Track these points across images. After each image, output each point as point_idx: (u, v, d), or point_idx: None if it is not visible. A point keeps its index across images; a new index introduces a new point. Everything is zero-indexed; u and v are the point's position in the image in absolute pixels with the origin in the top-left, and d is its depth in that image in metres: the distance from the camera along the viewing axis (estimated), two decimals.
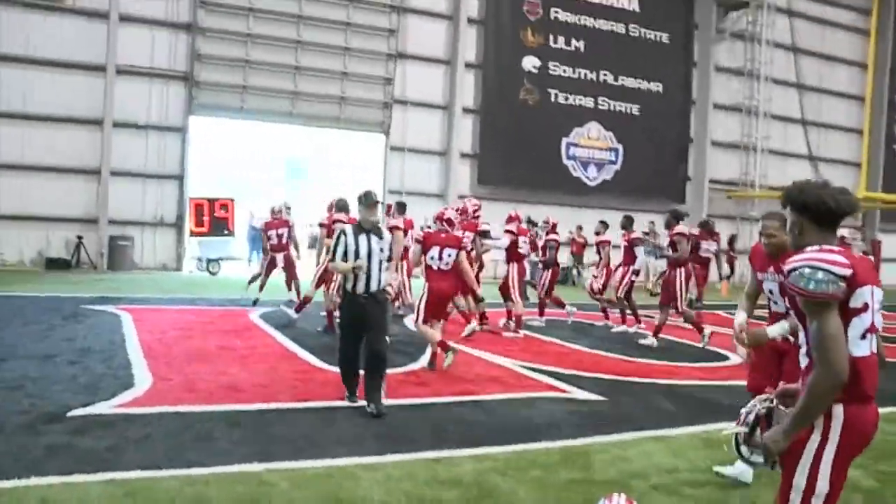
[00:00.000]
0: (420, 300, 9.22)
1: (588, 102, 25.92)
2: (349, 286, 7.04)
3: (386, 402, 6.92)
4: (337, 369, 7.43)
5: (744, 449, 3.28)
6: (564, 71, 25.36)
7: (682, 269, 11.70)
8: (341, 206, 11.21)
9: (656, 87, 26.96)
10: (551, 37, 25.16)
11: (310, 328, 11.44)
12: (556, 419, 6.96)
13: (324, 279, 11.44)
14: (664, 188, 26.91)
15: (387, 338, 7.57)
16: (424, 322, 9.13)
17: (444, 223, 9.39)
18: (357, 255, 6.93)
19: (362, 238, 7.00)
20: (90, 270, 19.34)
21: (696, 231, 14.53)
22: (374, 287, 7.02)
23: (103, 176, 19.79)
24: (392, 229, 9.97)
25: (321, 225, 11.96)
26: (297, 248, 13.78)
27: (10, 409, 6.27)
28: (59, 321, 10.97)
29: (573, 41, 25.51)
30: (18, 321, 10.81)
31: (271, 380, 7.92)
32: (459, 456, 5.72)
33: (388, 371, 7.36)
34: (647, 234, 22.28)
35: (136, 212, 20.03)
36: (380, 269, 7.06)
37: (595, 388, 8.30)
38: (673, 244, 11.82)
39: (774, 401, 3.30)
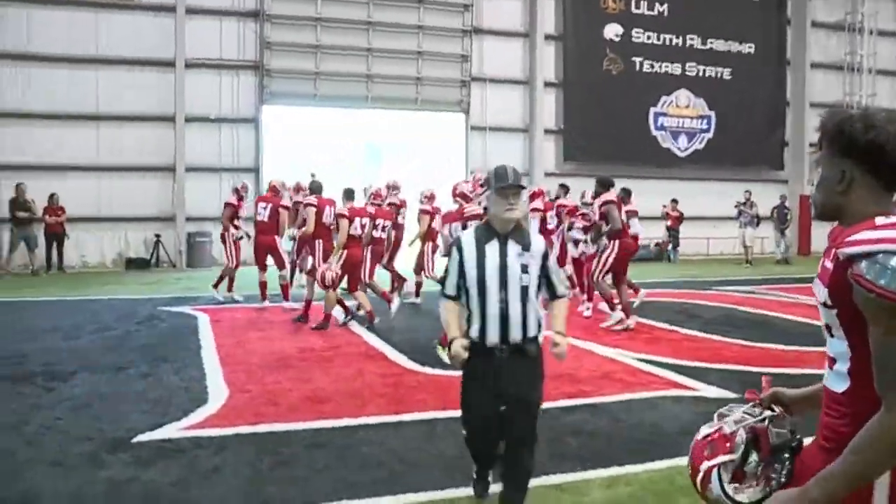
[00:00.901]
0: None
1: (675, 69, 24.37)
2: (474, 331, 3.93)
3: None
4: (432, 370, 6.56)
5: (730, 490, 2.07)
6: (648, 37, 23.89)
7: (617, 242, 10.45)
8: (314, 187, 11.08)
9: (748, 48, 25.20)
10: (633, 2, 23.71)
11: (397, 323, 10.59)
12: (687, 424, 5.87)
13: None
14: (761, 155, 25.25)
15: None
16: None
17: (459, 198, 8.38)
18: (483, 282, 3.89)
19: (492, 248, 3.92)
20: (169, 269, 18.95)
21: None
22: (518, 334, 3.89)
23: (178, 172, 19.36)
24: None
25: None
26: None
27: (76, 433, 5.60)
28: (133, 326, 10.35)
29: (657, 5, 24.00)
30: (93, 327, 10.23)
31: (358, 387, 7.07)
32: (587, 479, 4.76)
33: None
34: (744, 203, 20.95)
35: (213, 207, 19.42)
36: (526, 303, 3.90)
37: (724, 382, 7.18)
38: (603, 215, 10.51)
39: (773, 410, 2.22)
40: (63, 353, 8.49)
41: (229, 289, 12.98)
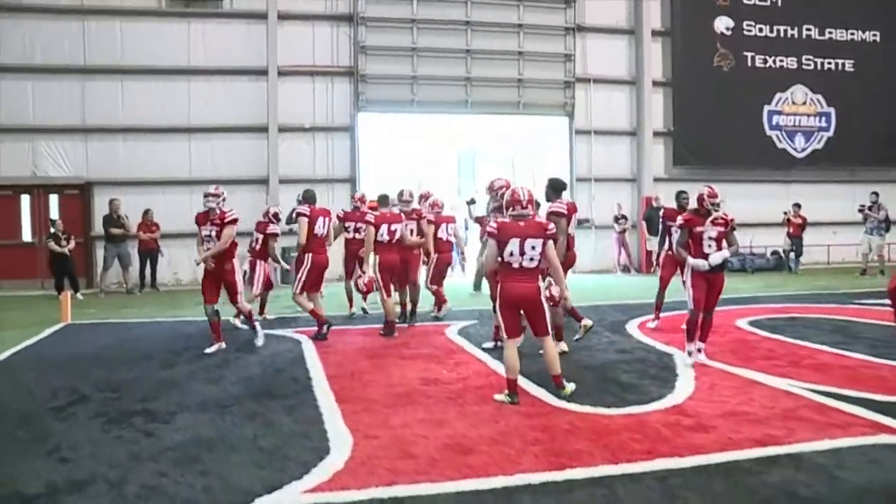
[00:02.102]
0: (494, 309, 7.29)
1: (790, 63, 22.65)
2: None
3: (662, 462, 5.09)
4: (581, 407, 5.45)
5: None
6: (761, 30, 22.25)
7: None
8: (308, 197, 10.82)
9: (872, 35, 23.24)
10: None
11: (524, 348, 9.44)
12: None
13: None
14: (888, 154, 23.18)
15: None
16: (509, 336, 6.97)
17: (529, 205, 7.09)
18: None
19: None
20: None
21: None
22: None
23: (271, 184, 18.66)
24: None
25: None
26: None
27: (184, 496, 4.66)
28: (232, 352, 9.43)
29: None
30: (190, 353, 9.37)
31: (503, 431, 5.92)
32: None
33: (642, 408, 5.81)
34: (869, 207, 19.14)
35: None
36: None
37: None
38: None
39: None
40: (161, 385, 7.60)
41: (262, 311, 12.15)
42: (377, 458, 5.30)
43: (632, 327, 10.91)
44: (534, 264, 6.74)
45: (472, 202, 13.47)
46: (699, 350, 8.41)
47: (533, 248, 6.71)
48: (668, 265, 10.77)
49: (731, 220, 8.42)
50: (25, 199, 18.45)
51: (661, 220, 11.33)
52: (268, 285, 12.08)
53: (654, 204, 19.95)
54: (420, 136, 21.89)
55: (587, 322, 9.39)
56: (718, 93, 21.63)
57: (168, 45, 18.73)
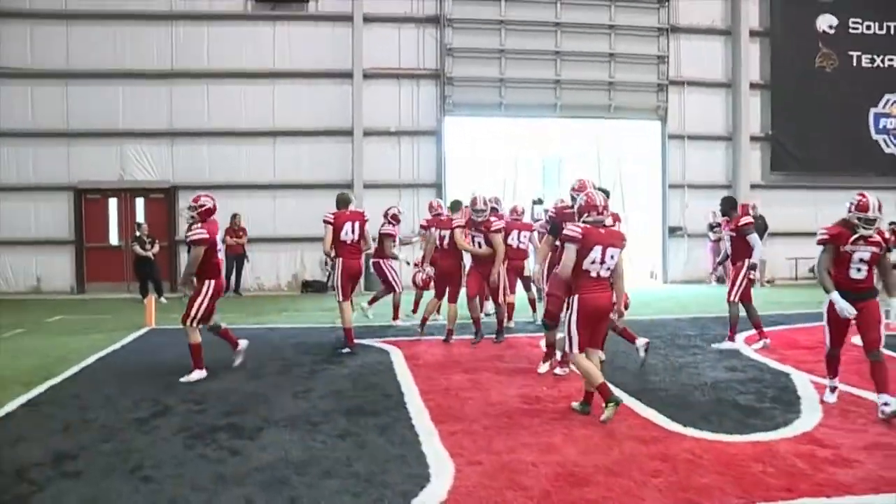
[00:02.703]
0: (568, 319, 6.54)
1: None
2: None
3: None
4: (700, 433, 4.89)
5: None
6: (868, 27, 20.93)
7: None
8: (341, 200, 10.25)
9: None
10: None
11: (627, 363, 8.83)
12: None
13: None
14: None
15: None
16: (581, 350, 6.47)
17: (603, 212, 6.57)
18: None
19: None
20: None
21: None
22: None
23: (356, 189, 18.32)
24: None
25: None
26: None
27: None
28: (320, 363, 9.05)
29: None
30: (277, 363, 9.02)
31: (618, 460, 5.38)
32: None
33: (769, 435, 5.37)
34: None
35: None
36: None
37: None
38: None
39: None
40: (246, 398, 7.24)
41: (395, 316, 12.20)
42: (483, 487, 4.81)
43: (739, 343, 10.18)
44: (608, 274, 6.46)
45: (538, 202, 12.95)
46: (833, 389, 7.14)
47: (612, 257, 6.42)
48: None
49: (890, 240, 7.04)
50: (113, 203, 18.57)
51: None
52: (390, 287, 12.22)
53: (752, 212, 18.98)
54: (504, 140, 21.36)
55: (641, 340, 8.88)
56: (820, 95, 20.44)
57: (253, 49, 18.64)
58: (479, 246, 9.92)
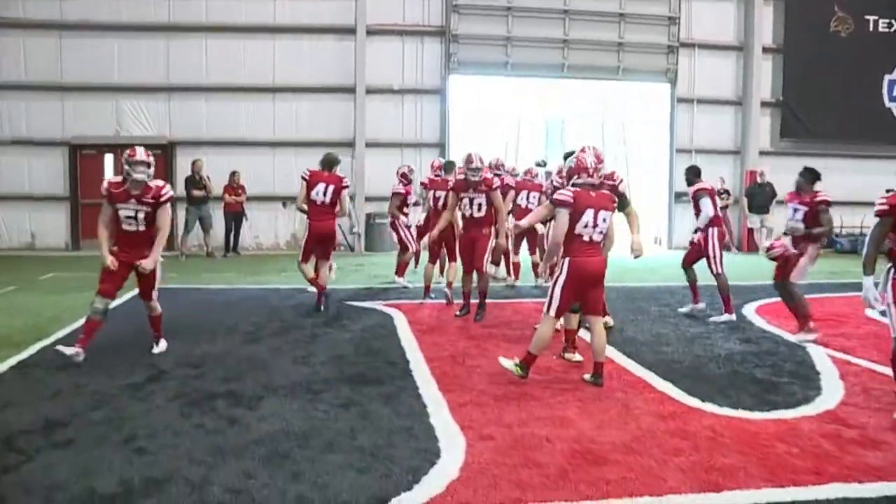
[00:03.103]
0: (555, 280, 6.37)
1: None
2: None
3: (838, 488, 4.28)
4: (720, 409, 4.67)
5: None
6: None
7: None
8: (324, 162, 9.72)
9: None
10: None
11: (637, 333, 8.56)
12: None
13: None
14: None
15: None
16: (558, 315, 6.48)
17: (593, 174, 6.38)
18: None
19: None
20: (346, 253, 17.44)
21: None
22: None
23: (357, 148, 17.98)
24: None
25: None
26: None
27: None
28: (319, 326, 8.77)
29: None
30: (275, 325, 8.74)
31: (637, 436, 5.11)
32: None
33: (790, 413, 5.22)
34: None
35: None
36: None
37: None
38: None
39: None
40: (244, 363, 6.95)
41: (400, 273, 12.01)
42: (497, 464, 4.53)
43: (750, 313, 9.93)
44: (601, 237, 6.37)
45: (542, 164, 12.68)
46: None
47: (604, 220, 6.31)
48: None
49: None
50: (109, 159, 18.11)
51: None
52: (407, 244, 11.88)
53: (759, 179, 18.68)
54: (508, 100, 20.96)
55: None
56: (833, 60, 19.91)
57: (254, 2, 18.12)
58: (479, 207, 9.19)
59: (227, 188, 16.71)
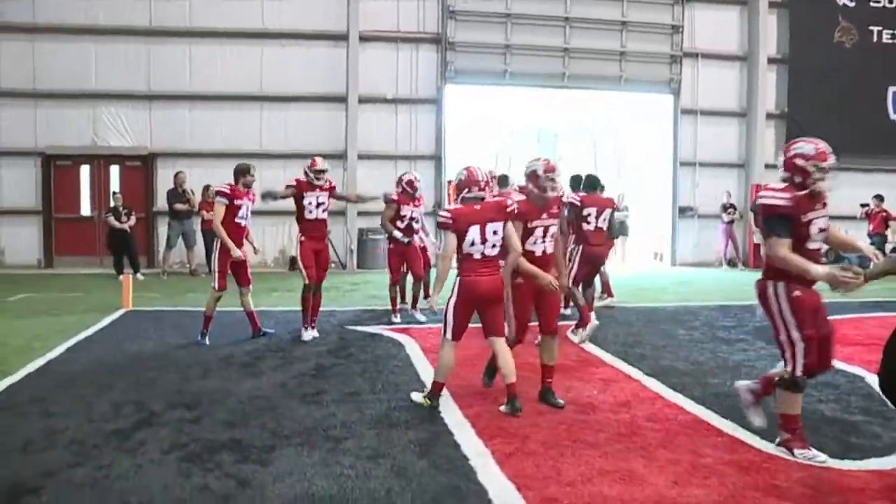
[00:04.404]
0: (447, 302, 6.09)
1: None
2: None
3: None
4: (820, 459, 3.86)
5: None
6: (891, 0, 19.99)
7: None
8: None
9: None
10: None
11: (673, 357, 7.75)
12: None
13: None
14: None
15: None
16: (455, 338, 6.14)
17: (484, 187, 6.16)
18: None
19: None
20: (338, 270, 16.53)
21: None
22: None
23: (349, 160, 17.16)
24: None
25: None
26: None
27: None
28: (326, 357, 7.88)
29: None
30: (275, 357, 7.83)
31: (723, 494, 4.28)
32: None
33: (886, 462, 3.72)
34: None
35: None
36: None
37: None
38: None
39: None
40: (247, 403, 6.04)
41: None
42: None
43: None
44: (496, 251, 5.91)
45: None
46: None
47: (495, 232, 5.85)
48: None
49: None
50: (85, 170, 17.26)
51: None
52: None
53: None
54: (504, 111, 20.23)
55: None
56: (837, 71, 19.39)
57: (240, 6, 17.27)
58: (552, 238, 8.18)
59: (202, 204, 15.57)
